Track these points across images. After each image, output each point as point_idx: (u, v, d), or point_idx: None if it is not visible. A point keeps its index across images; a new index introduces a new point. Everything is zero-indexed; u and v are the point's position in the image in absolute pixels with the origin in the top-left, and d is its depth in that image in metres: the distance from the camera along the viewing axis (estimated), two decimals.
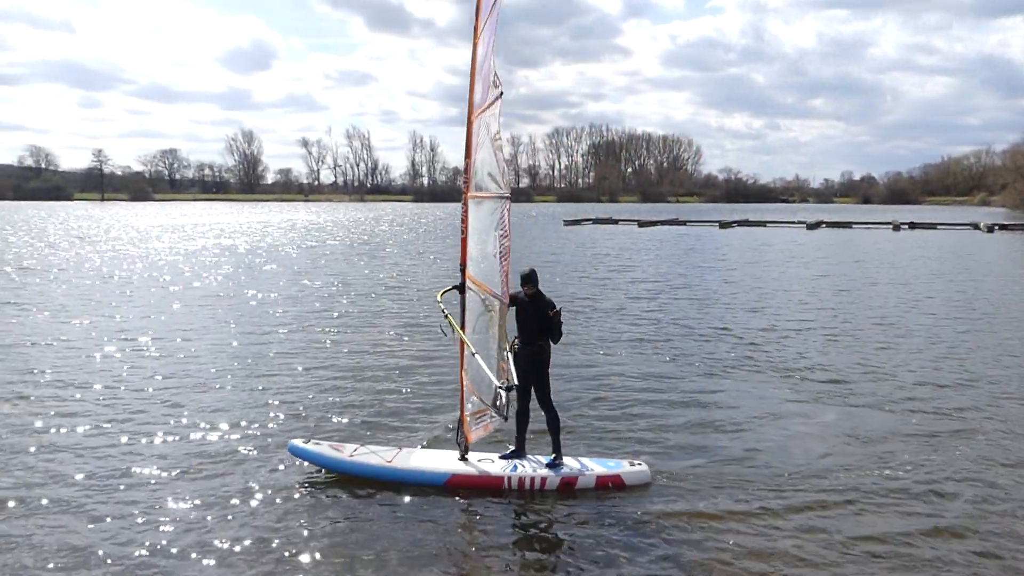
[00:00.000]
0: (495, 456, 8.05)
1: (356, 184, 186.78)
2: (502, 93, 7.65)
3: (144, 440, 8.88)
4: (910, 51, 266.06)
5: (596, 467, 7.79)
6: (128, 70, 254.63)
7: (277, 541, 6.45)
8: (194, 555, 6.20)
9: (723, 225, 66.97)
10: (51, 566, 6.03)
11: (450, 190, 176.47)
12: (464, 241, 7.59)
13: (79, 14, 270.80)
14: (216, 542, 6.41)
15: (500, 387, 7.59)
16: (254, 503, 7.19)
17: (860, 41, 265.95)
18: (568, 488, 7.59)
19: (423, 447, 8.49)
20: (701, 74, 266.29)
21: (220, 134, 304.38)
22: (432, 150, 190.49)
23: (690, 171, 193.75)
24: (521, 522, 7.02)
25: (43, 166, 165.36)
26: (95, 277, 25.60)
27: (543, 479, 7.62)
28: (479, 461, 7.90)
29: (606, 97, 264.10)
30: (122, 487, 7.48)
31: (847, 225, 67.72)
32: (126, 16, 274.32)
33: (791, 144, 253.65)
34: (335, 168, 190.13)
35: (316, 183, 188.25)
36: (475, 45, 7.38)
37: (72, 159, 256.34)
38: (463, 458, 7.89)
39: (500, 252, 7.89)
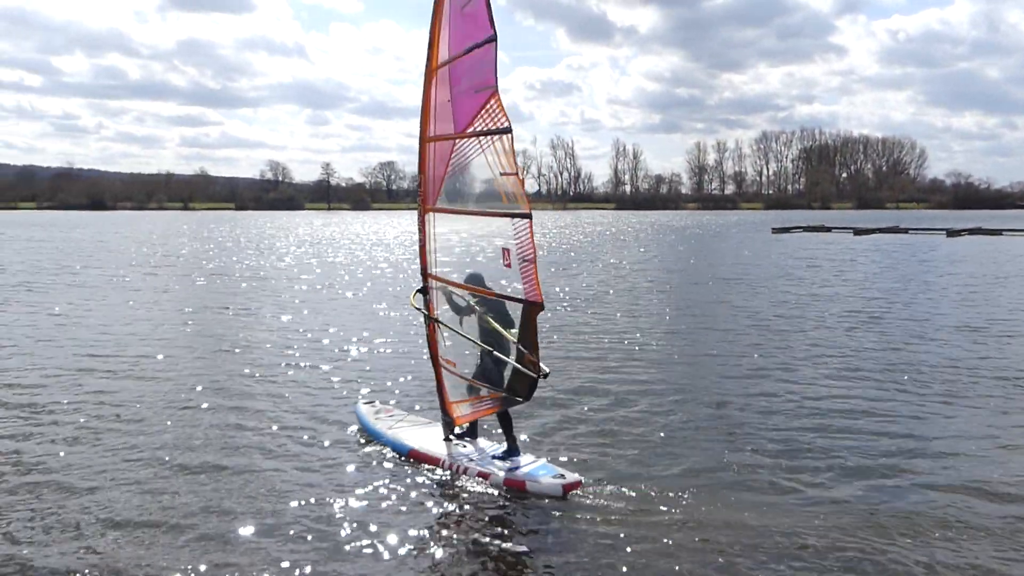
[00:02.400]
0: (482, 445, 8.70)
1: (559, 193, 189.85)
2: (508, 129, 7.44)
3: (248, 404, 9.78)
4: None
5: (523, 469, 7.98)
6: (351, 89, 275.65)
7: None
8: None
9: (951, 233, 61.47)
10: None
11: (652, 198, 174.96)
12: (423, 249, 8.50)
13: (310, 40, 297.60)
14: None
15: (541, 376, 7.55)
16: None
17: None
18: (484, 479, 7.97)
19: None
20: (925, 71, 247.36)
21: None
22: (635, 157, 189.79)
23: (912, 175, 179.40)
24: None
25: (280, 179, 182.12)
26: (300, 279, 28.08)
27: (466, 467, 8.16)
28: (455, 444, 8.71)
29: (817, 99, 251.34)
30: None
31: None
32: (350, 41, 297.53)
33: None
34: (539, 177, 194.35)
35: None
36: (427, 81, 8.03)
37: (304, 172, 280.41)
38: (447, 438, 8.76)
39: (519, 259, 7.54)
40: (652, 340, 15.99)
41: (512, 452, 8.35)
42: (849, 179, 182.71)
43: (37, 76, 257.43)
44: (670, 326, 17.93)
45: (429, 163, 8.36)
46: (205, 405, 10.91)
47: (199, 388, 11.85)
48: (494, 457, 8.36)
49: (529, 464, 8.15)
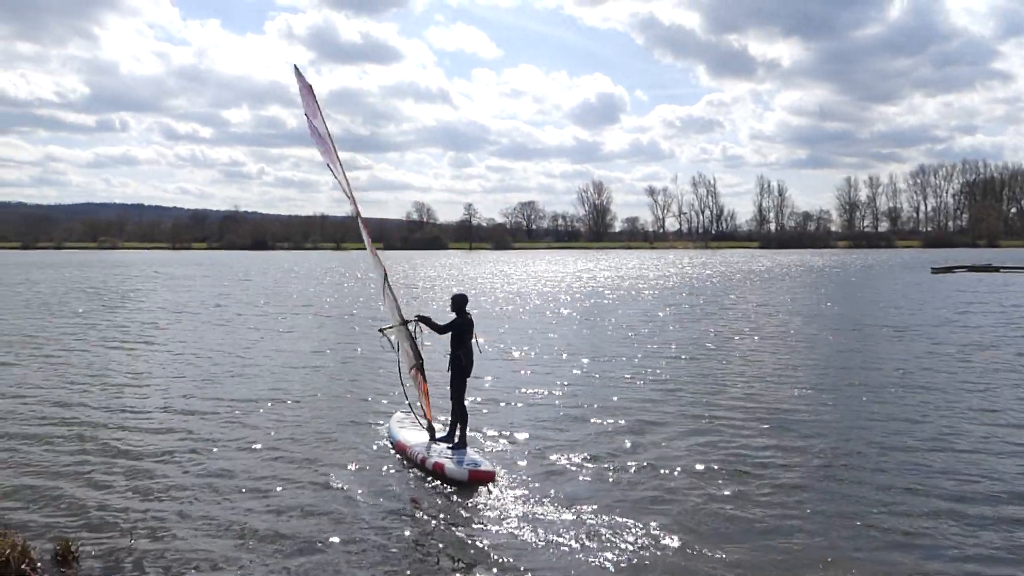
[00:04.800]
0: (445, 445, 10.30)
1: (701, 231, 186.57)
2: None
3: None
4: None
5: (449, 456, 9.78)
6: (492, 132, 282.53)
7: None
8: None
9: None
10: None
11: (799, 236, 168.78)
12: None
13: (454, 86, 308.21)
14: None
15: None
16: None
17: None
18: (422, 463, 9.88)
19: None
20: None
21: (572, 186, 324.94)
22: (780, 194, 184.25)
23: None
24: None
25: (424, 219, 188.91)
26: None
27: (417, 454, 10.08)
28: (431, 441, 10.49)
29: (980, 129, 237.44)
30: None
31: None
32: (491, 85, 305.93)
33: None
34: (680, 216, 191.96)
35: (661, 230, 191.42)
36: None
37: (447, 212, 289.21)
38: (432, 439, 10.54)
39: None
40: (784, 395, 14.67)
41: (460, 445, 10.25)
42: (1019, 215, 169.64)
43: (209, 128, 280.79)
44: (809, 380, 16.25)
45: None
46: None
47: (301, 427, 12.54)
48: (450, 448, 10.16)
49: (461, 453, 9.93)
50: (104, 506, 8.69)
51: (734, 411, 13.30)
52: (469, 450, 10.18)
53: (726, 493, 9.12)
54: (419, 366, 10.81)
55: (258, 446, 11.18)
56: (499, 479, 9.47)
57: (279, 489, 9.30)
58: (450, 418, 10.62)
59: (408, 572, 7.10)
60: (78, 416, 13.01)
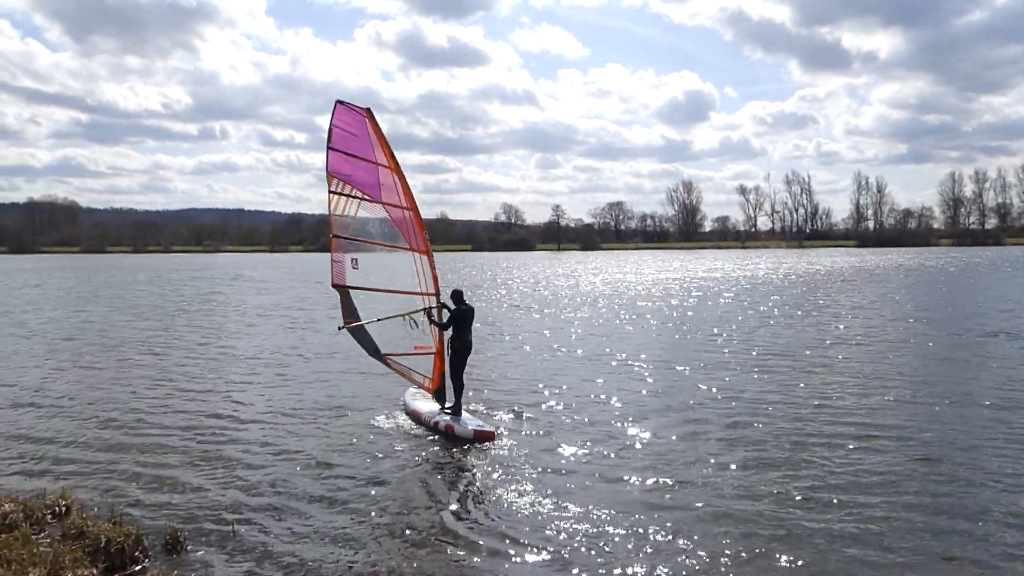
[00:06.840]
0: (444, 414, 12.49)
1: (794, 230, 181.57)
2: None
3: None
4: None
5: (458, 420, 12.11)
6: (579, 132, 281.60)
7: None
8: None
9: None
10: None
11: (899, 234, 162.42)
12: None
13: (540, 88, 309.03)
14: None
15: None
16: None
17: None
18: (435, 426, 12.24)
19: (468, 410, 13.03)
20: None
21: (660, 186, 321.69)
22: (879, 191, 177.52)
23: None
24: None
25: (512, 221, 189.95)
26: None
27: (429, 418, 12.52)
28: (440, 408, 12.69)
29: None
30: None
31: None
32: (576, 86, 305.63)
33: None
34: (773, 214, 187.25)
35: (753, 230, 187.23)
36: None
37: (534, 214, 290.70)
38: (442, 409, 12.66)
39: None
40: (875, 406, 13.63)
41: (456, 411, 12.40)
42: None
43: (303, 134, 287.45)
44: (907, 394, 14.73)
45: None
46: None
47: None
48: (450, 412, 12.41)
49: (466, 417, 12.19)
50: (208, 501, 9.38)
51: (812, 420, 12.76)
52: (467, 415, 12.43)
53: (780, 495, 9.35)
54: (440, 352, 12.77)
55: (330, 444, 11.87)
56: (498, 438, 11.71)
57: (354, 485, 10.02)
58: (454, 392, 12.62)
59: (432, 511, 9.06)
60: (183, 415, 13.92)
